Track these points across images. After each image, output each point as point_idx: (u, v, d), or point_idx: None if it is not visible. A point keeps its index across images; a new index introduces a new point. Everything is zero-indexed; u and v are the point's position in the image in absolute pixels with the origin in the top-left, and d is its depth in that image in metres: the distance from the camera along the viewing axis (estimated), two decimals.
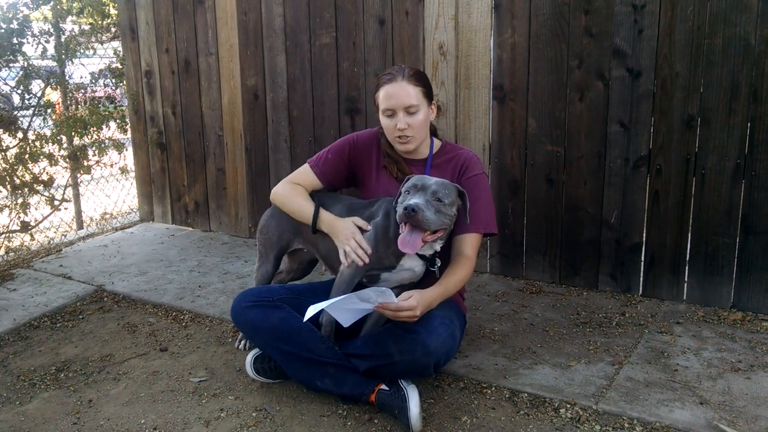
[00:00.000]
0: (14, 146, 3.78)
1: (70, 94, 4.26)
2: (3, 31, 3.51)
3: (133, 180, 4.58)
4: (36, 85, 3.98)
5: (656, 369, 2.22)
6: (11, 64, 3.70)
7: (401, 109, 2.09)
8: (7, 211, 3.75)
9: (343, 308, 1.86)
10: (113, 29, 4.53)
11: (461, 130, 3.13)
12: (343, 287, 2.02)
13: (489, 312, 2.75)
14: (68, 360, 2.46)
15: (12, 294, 3.11)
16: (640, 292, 2.87)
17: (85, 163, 4.16)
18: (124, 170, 4.41)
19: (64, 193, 4.17)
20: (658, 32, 2.63)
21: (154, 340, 2.62)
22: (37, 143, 3.81)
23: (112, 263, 3.55)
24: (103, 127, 4.17)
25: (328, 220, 2.16)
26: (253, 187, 3.87)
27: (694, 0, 2.54)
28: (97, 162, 4.26)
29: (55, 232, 4.30)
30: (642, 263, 2.84)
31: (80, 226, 4.49)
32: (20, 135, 3.79)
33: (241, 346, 2.49)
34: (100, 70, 4.44)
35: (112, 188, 4.94)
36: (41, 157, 3.80)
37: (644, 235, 2.82)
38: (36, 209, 3.98)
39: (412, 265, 2.05)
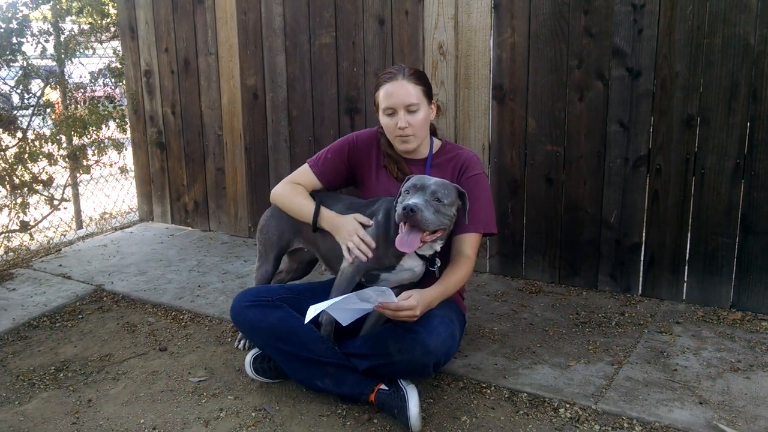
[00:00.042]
0: (13, 146, 3.78)
1: (70, 94, 4.26)
2: (2, 30, 3.51)
3: (132, 180, 4.58)
4: (35, 85, 3.98)
5: (655, 369, 2.22)
6: (11, 64, 3.69)
7: (402, 107, 2.09)
8: (6, 210, 3.75)
9: (343, 308, 1.86)
10: (113, 29, 4.53)
11: (461, 129, 3.13)
12: (343, 287, 2.02)
13: (488, 312, 2.75)
14: (67, 360, 2.46)
15: (11, 294, 3.11)
16: (640, 291, 2.87)
17: (85, 163, 4.16)
18: (123, 170, 4.41)
19: (63, 192, 4.17)
20: (657, 32, 2.63)
21: (154, 339, 2.62)
22: (37, 143, 3.81)
23: (111, 263, 3.55)
24: (103, 126, 4.17)
25: (329, 217, 2.16)
26: (253, 186, 3.87)
27: None
28: (97, 162, 4.26)
29: (54, 232, 4.30)
30: (641, 263, 2.84)
31: (79, 225, 4.49)
32: (19, 134, 3.79)
33: (240, 345, 2.49)
34: (100, 70, 4.44)
35: (112, 188, 4.94)
36: (40, 156, 3.80)
37: (644, 234, 2.82)
38: (35, 209, 3.98)
39: (411, 265, 2.05)
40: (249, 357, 2.21)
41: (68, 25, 4.33)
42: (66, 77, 4.20)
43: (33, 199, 3.95)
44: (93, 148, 4.17)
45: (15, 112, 3.86)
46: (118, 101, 5.08)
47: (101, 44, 4.60)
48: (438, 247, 2.05)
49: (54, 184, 3.99)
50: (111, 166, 4.39)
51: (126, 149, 4.38)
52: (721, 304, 2.70)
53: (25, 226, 3.80)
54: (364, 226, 2.08)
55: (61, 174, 4.17)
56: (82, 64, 4.38)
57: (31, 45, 3.84)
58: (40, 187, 3.86)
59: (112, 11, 4.44)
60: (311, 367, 2.05)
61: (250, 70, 3.72)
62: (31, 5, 3.90)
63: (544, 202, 3.00)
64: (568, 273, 3.01)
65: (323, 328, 2.08)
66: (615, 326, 2.57)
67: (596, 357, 2.32)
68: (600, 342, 2.44)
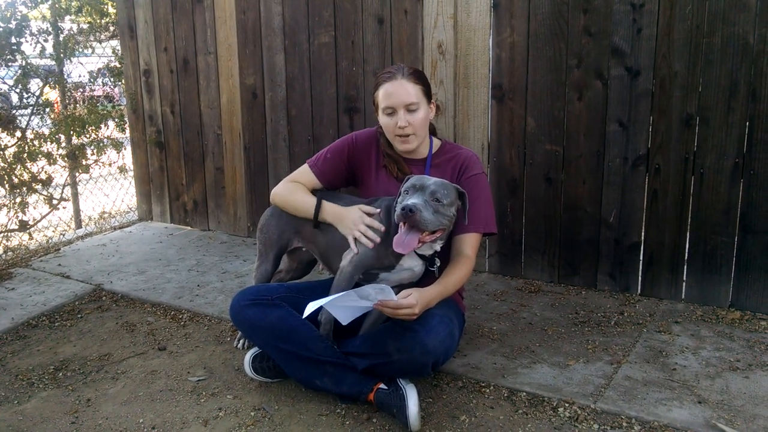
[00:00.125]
0: (12, 145, 3.78)
1: (69, 93, 4.25)
2: (1, 30, 3.51)
3: (131, 179, 4.58)
4: (34, 84, 3.98)
5: (655, 368, 2.22)
6: (10, 63, 3.69)
7: (401, 107, 2.09)
8: (5, 210, 3.75)
9: (342, 306, 1.86)
10: (112, 28, 4.53)
11: (460, 129, 3.13)
12: (342, 286, 2.02)
13: (488, 311, 2.75)
14: (66, 359, 2.46)
15: (10, 293, 3.11)
16: (639, 291, 2.87)
17: (84, 162, 4.16)
18: (122, 169, 4.41)
19: (62, 192, 4.17)
20: (656, 31, 2.63)
21: (153, 339, 2.61)
22: (36, 142, 3.81)
23: (110, 262, 3.54)
24: (102, 126, 4.17)
25: (332, 209, 2.17)
26: (252, 186, 3.87)
27: None
28: (96, 161, 4.26)
29: (53, 231, 4.30)
30: (640, 262, 2.84)
31: (79, 225, 4.48)
32: (18, 134, 3.79)
33: (239, 345, 2.49)
34: (99, 69, 4.44)
35: (111, 187, 4.94)
36: (40, 156, 3.80)
37: (643, 234, 2.82)
38: (34, 208, 3.98)
39: (411, 265, 2.05)
40: (248, 356, 2.21)
41: (67, 25, 4.33)
42: (65, 76, 4.20)
43: (32, 199, 3.95)
44: (92, 147, 4.17)
45: (14, 111, 3.86)
46: (117, 101, 5.07)
47: (100, 43, 4.59)
48: (438, 246, 2.05)
49: (53, 184, 3.98)
50: (110, 165, 4.39)
51: (125, 148, 4.38)
52: (720, 304, 2.70)
53: (24, 226, 3.80)
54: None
55: (60, 173, 4.17)
56: (81, 64, 4.38)
57: (30, 44, 3.84)
58: (39, 187, 3.86)
59: (111, 10, 4.44)
60: (310, 366, 2.05)
61: (249, 69, 3.72)
62: (30, 4, 3.90)
63: (544, 202, 3.00)
64: (567, 272, 3.01)
65: (322, 327, 2.08)
66: (614, 326, 2.57)
67: (595, 356, 2.32)
68: (599, 341, 2.44)
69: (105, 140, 4.20)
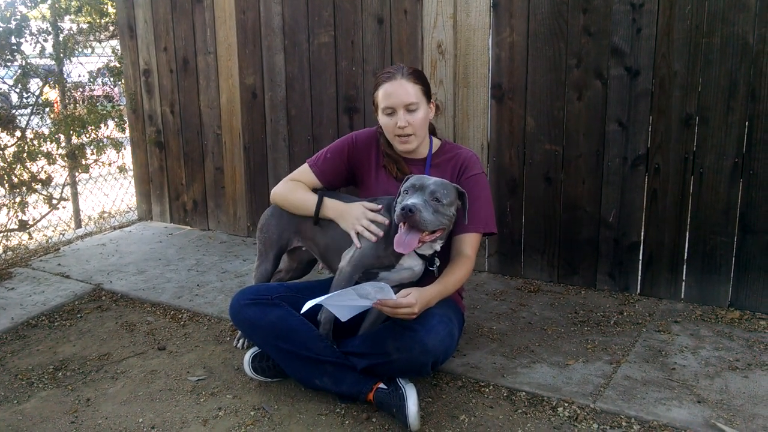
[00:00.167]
0: (12, 145, 3.78)
1: (68, 93, 4.25)
2: (1, 30, 3.51)
3: (131, 179, 4.58)
4: (34, 84, 3.98)
5: (654, 368, 2.22)
6: (9, 63, 3.69)
7: (401, 107, 2.09)
8: (5, 209, 3.75)
9: (340, 304, 1.86)
10: (111, 28, 4.53)
11: (460, 129, 3.13)
12: (341, 285, 2.01)
13: (487, 311, 2.75)
14: (66, 359, 2.46)
15: (10, 293, 3.11)
16: (638, 290, 2.87)
17: (84, 162, 4.16)
18: (122, 169, 4.41)
19: (62, 191, 4.17)
20: (656, 31, 2.63)
21: (152, 339, 2.61)
22: (35, 142, 3.81)
23: (110, 262, 3.54)
24: (101, 125, 4.17)
25: (334, 205, 2.17)
26: (252, 186, 3.87)
27: None
28: (96, 161, 4.26)
29: (53, 231, 4.30)
30: (640, 262, 2.84)
31: (78, 224, 4.48)
32: (18, 134, 3.79)
33: (239, 344, 2.49)
34: (99, 69, 4.44)
35: (111, 187, 4.94)
36: (39, 155, 3.80)
37: (642, 234, 2.82)
38: (34, 208, 3.98)
39: (411, 264, 2.05)
40: (248, 356, 2.21)
41: (67, 24, 4.33)
42: (65, 76, 4.20)
43: (32, 198, 3.95)
44: (92, 147, 4.17)
45: (14, 111, 3.86)
46: (117, 100, 5.08)
47: (100, 43, 4.59)
48: (438, 246, 2.05)
49: (53, 183, 3.98)
50: (110, 165, 4.39)
51: (125, 148, 4.38)
52: (720, 303, 2.70)
53: (23, 225, 3.80)
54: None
55: (59, 173, 4.17)
56: (81, 64, 4.38)
57: (30, 44, 3.84)
58: (38, 186, 3.86)
59: (111, 10, 4.44)
60: (310, 366, 2.05)
61: (248, 69, 3.72)
62: (29, 4, 3.90)
63: (543, 202, 3.00)
64: (566, 272, 3.01)
65: (322, 327, 2.08)
66: (613, 325, 2.58)
67: (595, 356, 2.32)
68: (598, 341, 2.44)
69: (105, 140, 4.20)
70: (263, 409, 2.06)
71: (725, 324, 2.56)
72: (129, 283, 3.19)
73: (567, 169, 2.92)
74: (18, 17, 3.60)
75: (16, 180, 3.72)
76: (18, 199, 3.73)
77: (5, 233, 3.81)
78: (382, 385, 1.99)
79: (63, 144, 4.05)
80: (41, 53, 3.92)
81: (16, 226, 3.80)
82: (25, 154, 3.74)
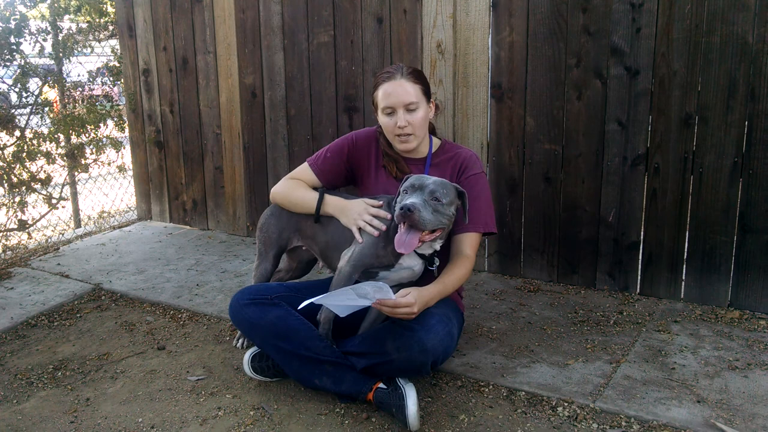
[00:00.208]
0: (11, 144, 3.78)
1: (68, 93, 4.25)
2: (1, 29, 3.51)
3: (130, 178, 4.58)
4: (33, 83, 3.98)
5: (654, 367, 2.22)
6: (9, 63, 3.69)
7: (401, 106, 2.09)
8: (4, 209, 3.75)
9: (339, 304, 1.85)
10: (111, 27, 4.53)
11: (459, 128, 3.13)
12: (341, 284, 2.01)
13: (487, 310, 2.75)
14: (66, 358, 2.46)
15: (9, 293, 3.11)
16: (638, 290, 2.87)
17: (83, 162, 4.16)
18: (121, 169, 4.40)
19: (61, 191, 4.17)
20: (656, 30, 2.63)
21: (152, 338, 2.61)
22: (35, 141, 3.81)
23: (109, 262, 3.54)
24: (101, 125, 4.16)
25: (335, 201, 2.17)
26: (251, 185, 3.87)
27: None
28: (95, 160, 4.26)
29: (52, 231, 4.30)
30: (640, 262, 2.85)
31: (78, 224, 4.48)
32: (18, 133, 3.78)
33: (238, 344, 2.49)
34: (98, 69, 4.43)
35: (110, 187, 4.94)
36: (39, 155, 3.80)
37: (642, 233, 2.82)
38: (33, 208, 3.98)
39: (411, 264, 2.05)
40: (247, 355, 2.21)
41: (66, 24, 4.33)
42: (64, 76, 4.20)
43: (31, 198, 3.94)
44: (91, 146, 4.16)
45: (13, 110, 3.85)
46: (116, 100, 5.07)
47: (99, 43, 4.59)
48: (437, 246, 2.05)
49: (52, 183, 3.98)
50: (109, 164, 4.38)
51: (124, 148, 4.37)
52: (719, 303, 2.70)
53: (23, 225, 3.80)
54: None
55: (59, 173, 4.16)
56: (81, 63, 4.38)
57: (29, 44, 3.84)
58: (38, 186, 3.86)
59: (110, 10, 4.44)
60: (310, 366, 2.05)
61: (248, 68, 3.72)
62: (29, 4, 3.90)
63: (543, 201, 3.00)
64: (566, 271, 3.01)
65: (321, 327, 2.08)
66: (613, 325, 2.57)
67: (594, 356, 2.32)
68: (598, 341, 2.44)
69: (104, 139, 4.20)
70: (263, 408, 2.06)
71: (725, 324, 2.56)
72: (128, 283, 3.19)
73: (567, 168, 2.92)
74: (17, 17, 3.59)
75: (15, 180, 3.71)
76: (17, 199, 3.73)
77: (5, 233, 3.81)
78: (381, 385, 1.99)
79: (62, 143, 4.04)
80: (40, 53, 3.92)
81: (16, 226, 3.79)
82: (24, 154, 3.74)
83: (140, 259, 3.56)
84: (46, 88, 4.07)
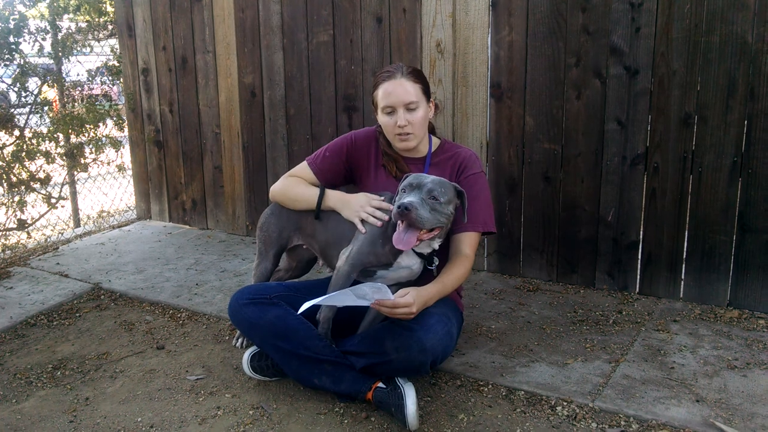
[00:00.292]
0: (11, 144, 3.78)
1: (67, 92, 4.25)
2: (0, 29, 3.51)
3: (130, 178, 4.57)
4: (33, 83, 3.98)
5: (653, 367, 2.23)
6: (8, 62, 3.69)
7: (401, 106, 2.09)
8: (3, 208, 3.75)
9: (338, 304, 1.86)
10: (110, 27, 4.53)
11: (459, 127, 3.13)
12: (339, 285, 2.01)
13: (486, 310, 2.75)
14: (65, 358, 2.46)
15: (9, 292, 3.10)
16: (637, 290, 2.87)
17: (82, 161, 4.16)
18: (121, 168, 4.40)
19: (61, 191, 4.17)
20: (655, 30, 2.63)
21: (151, 338, 2.61)
22: (34, 141, 3.81)
23: (109, 261, 3.54)
24: (100, 124, 4.16)
25: (336, 195, 2.18)
26: (251, 185, 3.87)
27: None
28: (94, 160, 4.26)
29: (51, 230, 4.30)
30: (639, 261, 2.85)
31: (77, 224, 4.48)
32: (17, 132, 3.78)
33: (238, 344, 2.49)
34: (97, 68, 4.43)
35: (109, 186, 4.94)
36: (38, 154, 3.80)
37: (641, 233, 2.82)
38: (33, 207, 3.98)
39: (409, 263, 2.05)
40: (246, 355, 2.21)
41: (65, 23, 4.33)
42: (63, 75, 4.20)
43: (30, 198, 3.94)
44: (90, 146, 4.16)
45: (12, 110, 3.85)
46: (116, 100, 5.07)
47: (98, 42, 4.59)
48: (436, 245, 2.05)
49: (51, 183, 3.98)
50: (108, 164, 4.38)
51: (123, 147, 4.37)
52: (719, 302, 2.70)
53: (22, 225, 3.80)
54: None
55: (58, 172, 4.17)
56: (80, 63, 4.38)
57: (29, 43, 3.84)
58: (37, 186, 3.86)
59: (110, 9, 4.44)
60: (309, 365, 2.05)
61: (247, 68, 3.72)
62: (28, 3, 3.90)
63: (542, 200, 3.00)
64: (565, 271, 3.02)
65: (320, 326, 2.08)
66: (612, 324, 2.58)
67: (593, 355, 2.32)
68: (597, 340, 2.44)
69: (103, 139, 4.20)
70: (262, 408, 2.06)
71: (724, 323, 2.56)
72: (128, 282, 3.19)
73: (566, 168, 2.92)
74: (16, 16, 3.59)
75: (14, 179, 3.72)
76: (17, 198, 3.73)
77: (4, 232, 3.81)
78: (380, 385, 1.99)
79: (62, 143, 4.05)
80: (40, 52, 3.92)
81: (15, 225, 3.79)
82: (23, 153, 3.74)
83: (139, 259, 3.56)
84: (45, 88, 4.08)
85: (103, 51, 4.62)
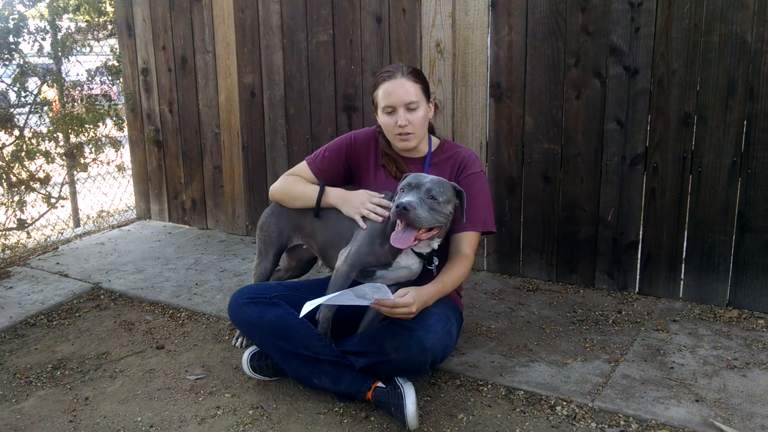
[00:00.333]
0: (10, 144, 3.78)
1: (67, 92, 4.25)
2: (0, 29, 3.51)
3: (129, 178, 4.57)
4: (32, 83, 3.98)
5: (652, 366, 2.23)
6: (7, 62, 3.69)
7: (401, 105, 2.09)
8: (3, 208, 3.75)
9: (338, 305, 1.86)
10: (110, 26, 4.52)
11: (458, 127, 3.13)
12: (338, 285, 2.01)
13: (486, 309, 2.75)
14: (64, 358, 2.46)
15: (8, 292, 3.10)
16: (637, 289, 2.87)
17: (82, 161, 4.16)
18: (120, 168, 4.40)
19: (60, 190, 4.17)
20: (654, 30, 2.63)
21: (151, 337, 2.61)
22: (34, 141, 3.81)
23: (108, 261, 3.54)
24: (100, 124, 4.16)
25: (336, 193, 2.19)
26: (250, 184, 3.87)
27: None
28: (94, 159, 4.25)
29: (51, 230, 4.29)
30: (638, 261, 2.85)
31: (77, 223, 4.48)
32: (16, 132, 3.78)
33: (238, 343, 2.49)
34: (97, 68, 4.43)
35: (109, 186, 4.94)
36: (38, 154, 3.79)
37: (641, 232, 2.82)
38: (32, 207, 3.98)
39: (408, 263, 2.05)
40: (246, 355, 2.21)
41: (65, 23, 4.33)
42: (63, 75, 4.20)
43: (30, 197, 3.94)
44: (90, 146, 4.16)
45: (12, 109, 3.85)
46: (116, 100, 5.07)
47: (98, 42, 4.59)
48: (435, 245, 2.05)
49: (51, 182, 3.98)
50: (108, 164, 4.38)
51: (123, 147, 4.37)
52: (718, 302, 2.70)
53: (22, 224, 3.80)
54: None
55: (58, 172, 4.16)
56: (80, 62, 4.38)
57: (28, 43, 3.84)
58: (37, 185, 3.86)
59: (109, 9, 4.44)
60: (309, 365, 2.05)
61: (247, 68, 3.72)
62: (28, 3, 3.90)
63: (542, 200, 3.00)
64: (565, 271, 3.02)
65: (320, 326, 2.08)
66: (612, 324, 2.58)
67: (593, 355, 2.33)
68: (597, 340, 2.44)
69: (103, 139, 4.20)
70: (262, 407, 2.06)
71: (723, 323, 2.56)
72: (127, 282, 3.19)
73: (565, 168, 2.92)
74: (16, 16, 3.59)
75: (14, 179, 3.71)
76: (16, 198, 3.73)
77: (4, 232, 3.80)
78: (380, 384, 2.00)
79: (61, 143, 4.04)
80: (39, 52, 3.92)
81: (15, 225, 3.79)
82: (23, 153, 3.73)
83: (139, 259, 3.56)
84: (45, 88, 4.07)
85: (102, 51, 4.62)
